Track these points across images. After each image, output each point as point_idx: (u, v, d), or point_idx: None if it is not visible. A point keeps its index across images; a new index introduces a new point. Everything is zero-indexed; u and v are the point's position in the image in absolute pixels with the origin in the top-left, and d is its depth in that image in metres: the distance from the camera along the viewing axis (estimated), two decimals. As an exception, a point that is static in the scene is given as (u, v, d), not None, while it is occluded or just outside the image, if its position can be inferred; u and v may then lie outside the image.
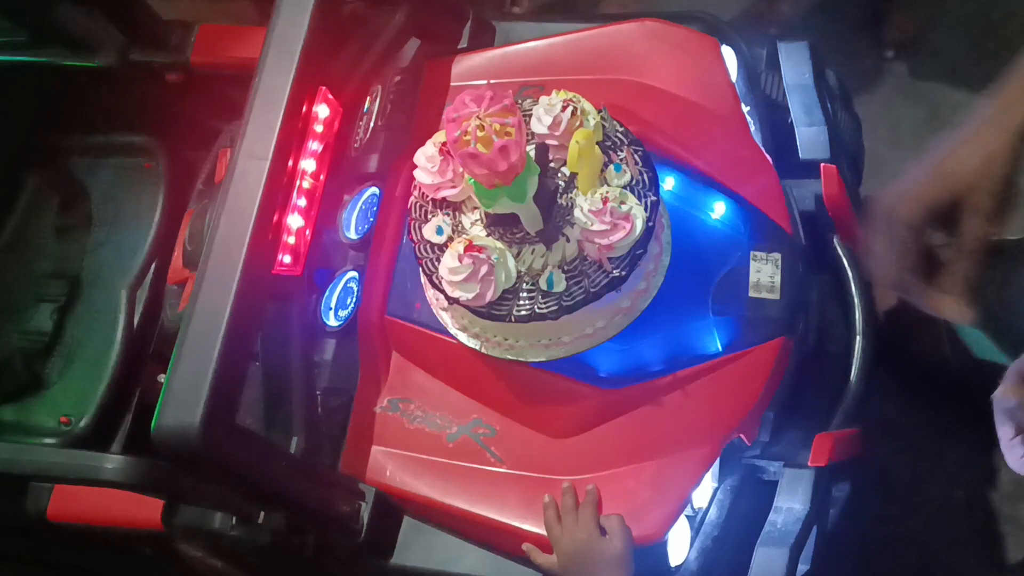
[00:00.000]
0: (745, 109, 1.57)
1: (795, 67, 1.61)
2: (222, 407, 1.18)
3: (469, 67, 1.67)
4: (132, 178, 1.96)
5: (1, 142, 1.98)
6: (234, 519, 1.39)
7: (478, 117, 1.19)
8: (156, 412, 1.17)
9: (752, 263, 1.45)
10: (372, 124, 1.64)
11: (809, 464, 1.43)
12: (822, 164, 1.55)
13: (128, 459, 1.31)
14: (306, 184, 1.42)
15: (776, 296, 1.43)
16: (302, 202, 1.41)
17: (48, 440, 1.76)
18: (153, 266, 1.85)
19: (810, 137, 1.58)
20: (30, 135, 2.01)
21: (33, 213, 2.00)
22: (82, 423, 1.75)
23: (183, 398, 1.17)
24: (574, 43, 1.64)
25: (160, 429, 1.17)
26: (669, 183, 1.51)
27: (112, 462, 1.31)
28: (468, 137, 1.19)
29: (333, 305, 1.55)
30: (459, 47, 1.71)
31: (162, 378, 1.74)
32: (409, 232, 1.38)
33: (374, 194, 1.58)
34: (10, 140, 2.00)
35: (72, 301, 1.89)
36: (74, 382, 1.82)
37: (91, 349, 1.83)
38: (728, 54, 1.61)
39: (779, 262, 1.45)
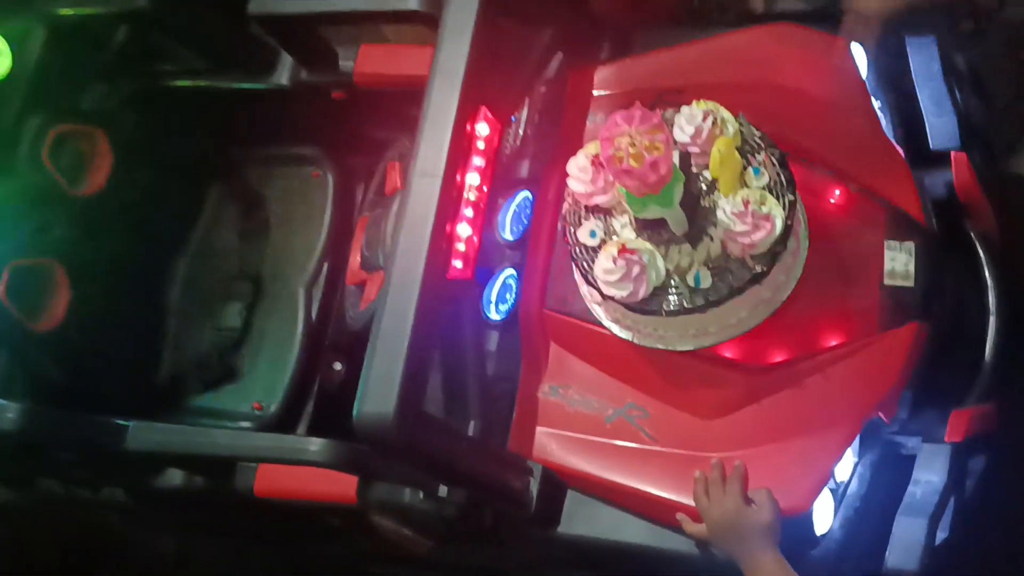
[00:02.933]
0: (875, 104, 1.65)
1: (923, 61, 1.68)
2: (412, 396, 1.33)
3: (610, 75, 1.79)
4: (302, 186, 2.14)
5: (185, 159, 2.18)
6: (421, 494, 1.56)
7: (629, 135, 1.31)
8: (356, 402, 1.33)
9: (887, 252, 1.53)
10: (521, 132, 1.77)
11: (946, 440, 1.52)
12: (952, 152, 1.62)
13: (330, 442, 1.47)
14: (471, 196, 1.56)
15: (911, 283, 1.51)
16: (469, 212, 1.56)
17: (244, 424, 1.96)
18: (326, 266, 2.03)
19: (940, 127, 1.65)
20: (211, 151, 2.21)
21: (217, 221, 2.21)
22: (272, 408, 1.95)
23: (379, 390, 1.32)
24: (709, 48, 1.74)
25: (361, 417, 1.32)
26: (802, 176, 1.59)
27: (317, 445, 1.48)
28: (621, 153, 1.31)
29: (493, 299, 1.70)
30: (600, 57, 1.83)
31: (338, 366, 1.95)
32: (564, 236, 1.52)
33: (526, 198, 1.72)
34: (194, 157, 2.20)
35: (257, 299, 2.09)
36: (263, 372, 2.02)
37: (275, 342, 2.03)
38: (857, 51, 1.68)
39: (912, 250, 1.53)
